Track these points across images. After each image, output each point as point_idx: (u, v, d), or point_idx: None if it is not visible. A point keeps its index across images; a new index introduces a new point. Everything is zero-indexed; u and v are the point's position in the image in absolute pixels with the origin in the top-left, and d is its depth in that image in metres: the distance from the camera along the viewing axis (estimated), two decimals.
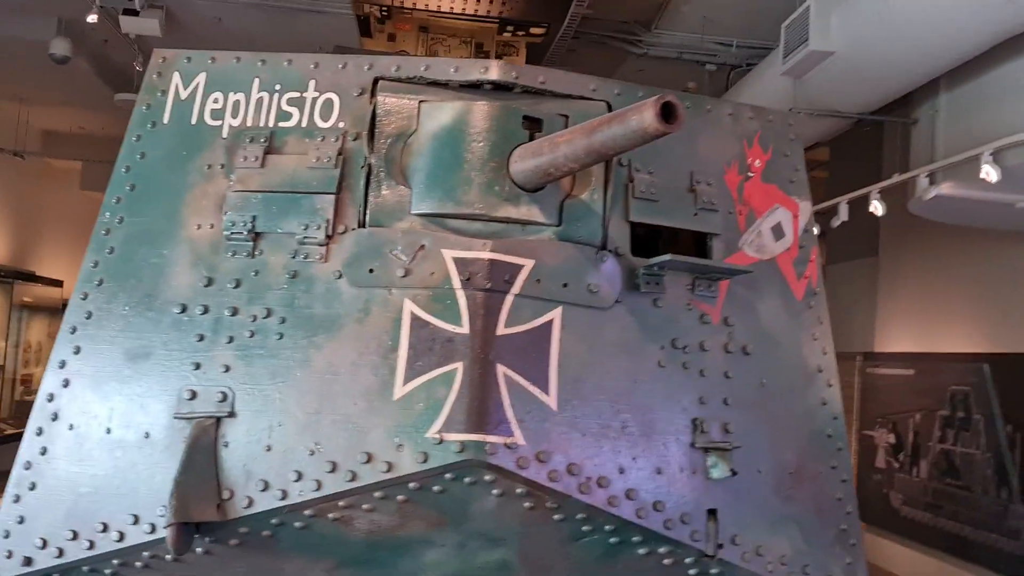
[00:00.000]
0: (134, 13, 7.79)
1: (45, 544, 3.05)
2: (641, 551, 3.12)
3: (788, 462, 3.37)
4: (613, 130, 2.55)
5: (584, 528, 3.02)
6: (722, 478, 3.17)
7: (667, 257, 3.06)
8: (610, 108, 3.27)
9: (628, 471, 3.02)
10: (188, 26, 8.57)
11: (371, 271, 2.97)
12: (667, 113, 2.39)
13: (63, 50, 8.25)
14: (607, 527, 3.02)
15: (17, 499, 3.12)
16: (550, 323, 2.96)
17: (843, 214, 6.33)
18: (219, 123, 3.28)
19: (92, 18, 7.94)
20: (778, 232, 3.52)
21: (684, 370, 3.22)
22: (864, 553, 3.54)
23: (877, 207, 5.92)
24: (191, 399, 2.99)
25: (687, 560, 3.16)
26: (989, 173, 4.80)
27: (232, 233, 3.11)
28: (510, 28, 8.40)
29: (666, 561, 3.16)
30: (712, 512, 3.16)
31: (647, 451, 3.08)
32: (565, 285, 3.00)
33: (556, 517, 2.96)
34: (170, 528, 2.79)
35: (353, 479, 2.81)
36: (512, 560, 3.15)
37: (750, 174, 3.51)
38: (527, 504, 2.91)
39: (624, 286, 3.15)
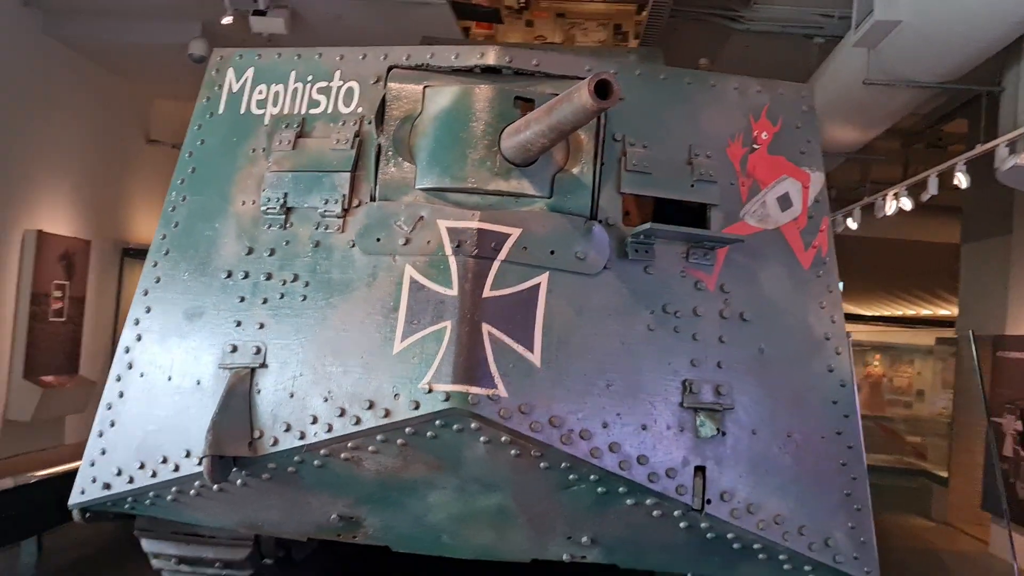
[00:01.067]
0: (262, 14, 8.54)
1: (120, 472, 3.61)
2: (629, 502, 3.33)
3: (787, 426, 3.47)
4: (563, 108, 2.79)
5: (571, 477, 3.27)
6: (709, 437, 3.33)
7: (647, 226, 3.24)
8: None
9: (612, 426, 3.24)
10: (311, 23, 9.21)
11: (378, 240, 3.32)
12: (602, 90, 2.60)
13: (200, 50, 9.16)
14: (592, 477, 3.25)
15: (101, 434, 3.69)
16: (537, 287, 3.22)
17: (932, 187, 6.12)
18: (262, 112, 3.74)
19: (227, 20, 8.76)
20: (785, 202, 3.61)
21: (675, 334, 3.39)
22: (872, 519, 3.59)
23: (961, 179, 5.70)
24: (232, 352, 3.45)
25: (675, 513, 3.34)
26: None
27: (268, 208, 3.55)
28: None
29: (655, 513, 3.36)
30: (700, 469, 3.33)
31: (632, 408, 3.28)
32: (552, 252, 3.25)
33: (542, 465, 3.23)
34: (205, 459, 3.25)
35: (357, 423, 3.18)
36: (508, 505, 3.44)
37: (756, 146, 3.61)
38: (513, 452, 3.18)
39: (615, 254, 3.36)
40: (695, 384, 3.36)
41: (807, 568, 3.49)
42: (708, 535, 3.42)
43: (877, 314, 18.60)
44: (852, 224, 8.42)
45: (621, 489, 3.29)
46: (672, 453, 3.31)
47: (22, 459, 8.65)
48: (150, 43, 9.88)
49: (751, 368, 3.47)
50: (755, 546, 3.43)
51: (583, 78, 3.50)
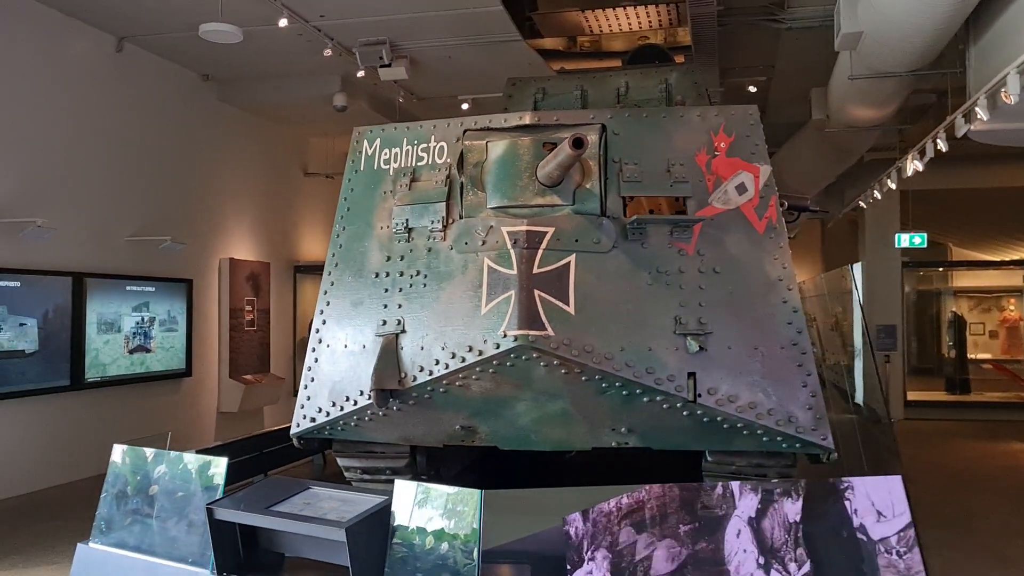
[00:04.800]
0: (387, 65, 10.55)
1: (320, 410, 5.57)
2: (645, 399, 5.00)
3: (754, 341, 5.03)
4: (560, 154, 4.53)
5: (603, 385, 4.96)
6: (695, 352, 4.95)
7: (634, 218, 4.93)
8: (605, 128, 5.16)
9: (627, 349, 4.91)
10: (427, 66, 11.16)
11: (466, 243, 5.12)
12: (578, 143, 4.32)
13: (341, 102, 11.34)
14: (617, 384, 4.94)
15: (306, 387, 5.66)
16: (568, 264, 4.94)
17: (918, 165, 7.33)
18: (388, 167, 5.62)
19: (360, 74, 10.86)
20: (742, 189, 5.17)
21: (667, 286, 5.03)
22: (823, 402, 5.08)
23: (941, 145, 6.90)
24: (383, 325, 5.33)
25: (678, 405, 4.98)
26: (1010, 97, 5.74)
27: (397, 229, 5.42)
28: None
29: (664, 406, 5.01)
30: (692, 374, 4.96)
31: (640, 336, 4.95)
32: (576, 240, 4.96)
33: (583, 379, 4.94)
34: (373, 392, 5.15)
35: (463, 361, 4.99)
36: (568, 408, 5.17)
37: (716, 153, 5.20)
38: (563, 371, 4.91)
39: (620, 237, 5.04)
40: (683, 317, 4.98)
41: (779, 439, 5.03)
42: (704, 419, 5.03)
43: (1003, 259, 18.95)
44: (919, 165, 9.24)
45: (638, 391, 4.96)
46: (671, 364, 4.95)
47: None
48: (302, 96, 12.12)
49: (724, 304, 5.05)
50: (738, 425, 5.01)
51: (589, 123, 5.22)
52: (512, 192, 5.10)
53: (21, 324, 8.65)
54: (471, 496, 4.05)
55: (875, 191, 10.53)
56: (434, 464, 6.49)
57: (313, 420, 5.60)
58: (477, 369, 5.00)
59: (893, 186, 9.32)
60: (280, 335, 13.56)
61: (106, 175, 10.07)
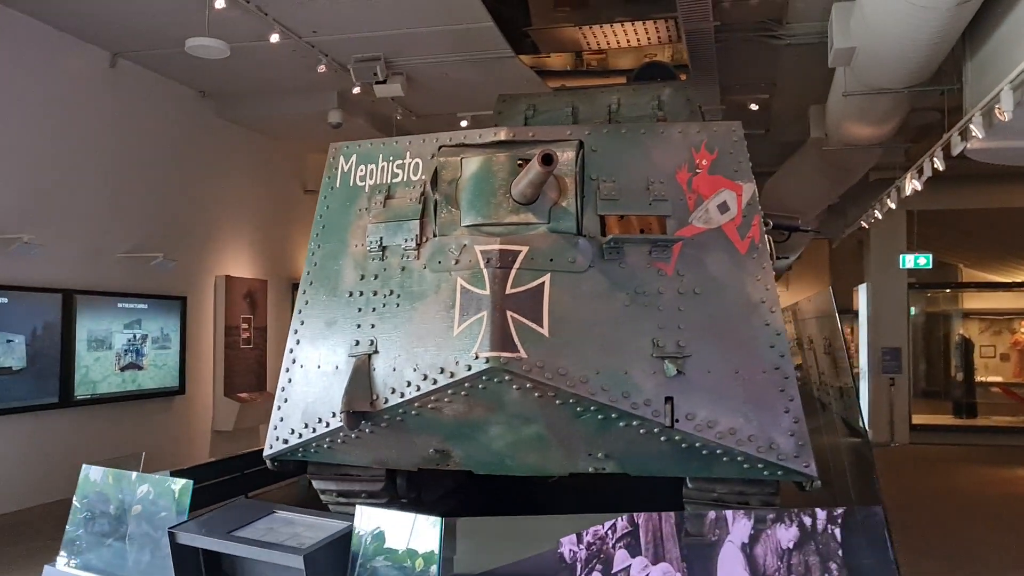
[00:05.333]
0: (382, 82, 10.49)
1: (292, 431, 5.44)
2: (621, 424, 4.84)
3: (734, 365, 4.88)
4: (531, 171, 4.41)
5: (578, 409, 4.81)
6: (673, 376, 4.80)
7: (610, 237, 4.80)
8: (582, 145, 5.04)
9: (602, 372, 4.76)
10: (423, 83, 11.10)
11: (439, 262, 5.00)
12: (547, 159, 4.20)
13: (337, 118, 11.29)
14: (592, 408, 4.79)
15: (279, 408, 5.53)
16: (543, 284, 4.80)
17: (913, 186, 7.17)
18: (364, 183, 5.51)
19: (356, 90, 10.81)
20: (723, 208, 5.03)
21: (645, 308, 4.88)
22: (806, 428, 4.91)
23: (938, 163, 6.76)
24: (356, 345, 5.20)
25: (655, 430, 4.82)
26: (1004, 114, 5.60)
27: (371, 247, 5.30)
28: None
29: (641, 431, 4.85)
30: (669, 399, 4.80)
31: (616, 359, 4.80)
32: (551, 260, 4.82)
33: (557, 402, 4.79)
34: (343, 414, 5.02)
35: (435, 383, 4.85)
36: (543, 433, 5.02)
37: (697, 170, 5.06)
38: (536, 394, 4.77)
39: (597, 257, 4.90)
40: (661, 340, 4.83)
41: (760, 466, 4.86)
42: (682, 445, 4.87)
43: (1015, 280, 18.73)
44: (917, 185, 9.13)
45: (614, 415, 4.80)
46: (648, 389, 4.79)
47: None
48: (299, 112, 12.08)
49: (704, 327, 4.90)
50: (717, 451, 4.84)
51: (566, 139, 5.10)
52: (486, 210, 4.97)
53: (8, 340, 8.59)
54: (431, 524, 3.91)
55: (876, 211, 10.37)
56: (415, 488, 6.34)
57: (286, 442, 5.47)
58: (449, 392, 4.86)
59: (893, 206, 9.17)
60: (277, 353, 13.42)
61: (99, 192, 10.03)
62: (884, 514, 3.88)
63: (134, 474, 5.15)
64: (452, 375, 4.78)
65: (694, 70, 9.66)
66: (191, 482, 4.90)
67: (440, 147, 5.24)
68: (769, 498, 5.24)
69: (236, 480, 7.44)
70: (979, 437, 14.38)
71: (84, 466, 5.37)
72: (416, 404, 4.97)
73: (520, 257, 4.80)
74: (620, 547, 3.76)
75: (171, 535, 4.59)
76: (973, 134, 5.88)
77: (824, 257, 20.94)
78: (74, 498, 5.31)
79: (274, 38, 9.15)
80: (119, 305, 10.13)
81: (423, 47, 10.07)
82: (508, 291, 4.75)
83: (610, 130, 5.15)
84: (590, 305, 4.85)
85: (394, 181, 5.39)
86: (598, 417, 4.84)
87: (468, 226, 5.02)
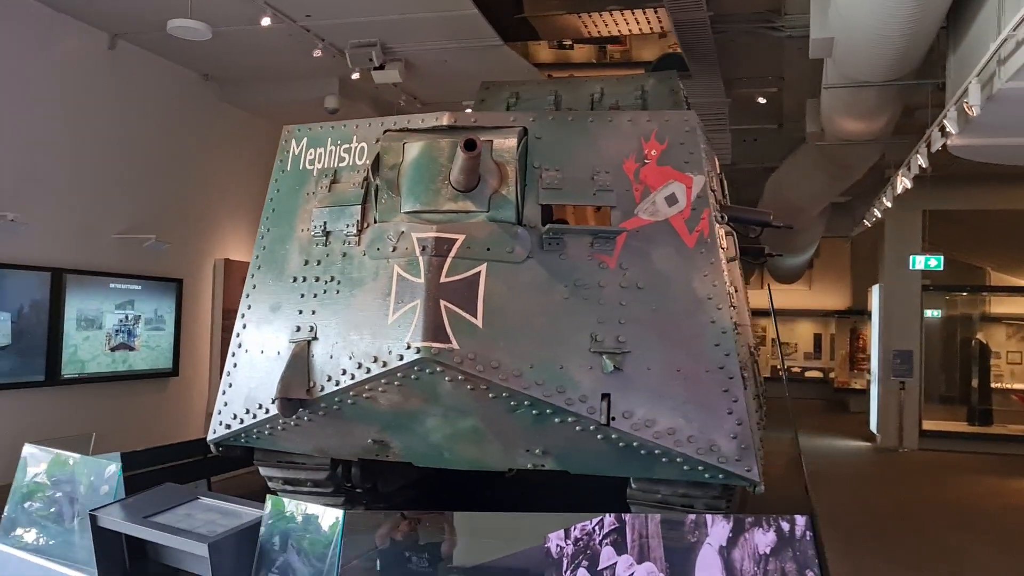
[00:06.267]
0: (380, 68, 10.40)
1: (235, 416, 5.38)
2: (556, 420, 4.70)
3: (676, 363, 4.71)
4: (459, 157, 4.27)
5: (512, 403, 4.68)
6: (610, 372, 4.65)
7: (547, 227, 4.65)
8: (526, 132, 4.89)
9: (537, 366, 4.63)
10: (423, 69, 11.00)
11: (378, 249, 4.89)
12: (470, 145, 4.07)
13: (333, 104, 11.21)
14: (526, 403, 4.65)
15: (223, 392, 5.48)
16: (478, 273, 4.67)
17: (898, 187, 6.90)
18: (312, 167, 5.42)
19: (355, 76, 10.73)
20: (672, 200, 4.86)
21: (584, 301, 4.73)
22: (752, 430, 4.74)
23: (921, 161, 6.49)
24: (297, 331, 5.12)
25: (591, 428, 4.67)
26: (972, 108, 5.35)
27: (315, 232, 5.21)
28: None
29: (577, 428, 4.71)
30: (606, 396, 4.65)
31: (552, 353, 4.66)
32: (488, 249, 4.69)
33: (491, 396, 4.67)
34: (278, 400, 4.94)
35: (368, 372, 4.75)
36: (479, 426, 4.90)
37: (646, 161, 4.89)
38: (469, 387, 4.65)
39: (536, 247, 4.75)
40: (599, 335, 4.69)
41: (700, 468, 4.69)
42: (620, 443, 4.71)
43: None
44: (907, 183, 8.84)
45: (548, 411, 4.67)
46: (584, 384, 4.64)
47: None
48: (300, 97, 12.03)
49: (646, 322, 4.74)
50: (656, 452, 4.68)
51: (510, 126, 4.95)
52: (425, 196, 4.84)
53: None
54: (332, 515, 3.81)
55: (875, 210, 10.07)
56: (370, 478, 6.26)
57: (228, 427, 5.41)
58: (383, 381, 4.76)
59: (889, 204, 8.89)
60: None
61: (95, 172, 10.07)
62: (813, 523, 3.73)
63: (71, 456, 5.12)
64: (385, 364, 4.69)
65: (691, 61, 9.44)
66: (117, 464, 4.85)
67: (385, 131, 5.12)
68: (714, 502, 5.08)
69: (198, 464, 7.41)
70: (992, 445, 13.97)
71: (26, 446, 5.35)
72: (351, 393, 4.88)
73: (456, 245, 4.67)
74: (607, 544, 3.71)
75: (92, 518, 4.53)
76: (948, 130, 5.63)
77: (845, 257, 20.51)
78: (15, 476, 5.30)
79: (265, 21, 9.09)
80: (111, 285, 10.17)
81: (418, 33, 9.95)
82: (442, 280, 4.63)
83: (556, 117, 5.00)
84: (527, 297, 4.71)
85: (340, 165, 5.29)
86: (533, 412, 4.71)
87: (408, 212, 4.91)
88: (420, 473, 7.09)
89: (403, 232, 4.80)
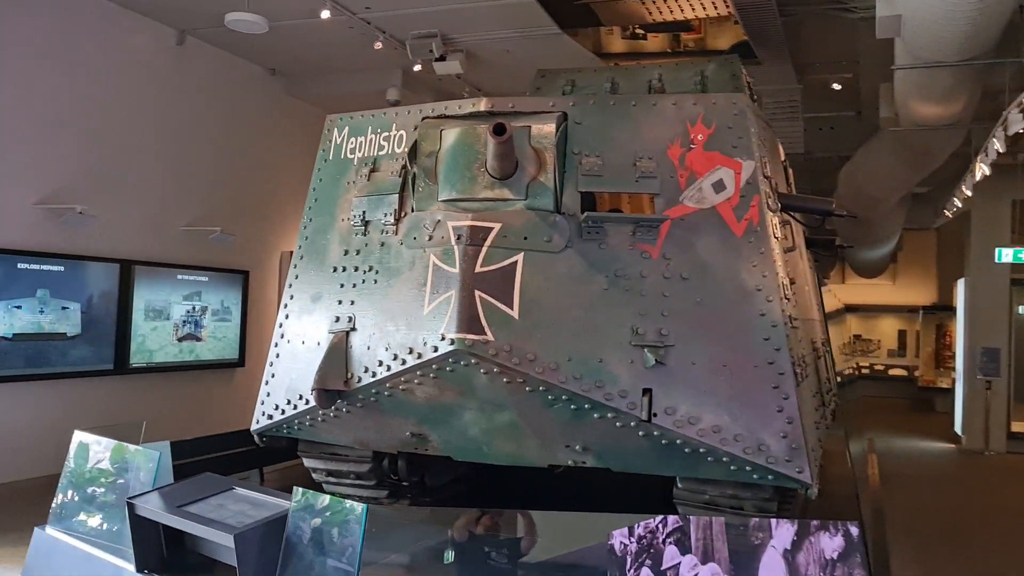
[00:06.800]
0: (441, 59, 10.34)
1: (277, 407, 5.36)
2: (595, 416, 4.53)
3: (722, 357, 4.49)
4: (491, 144, 4.13)
5: (549, 397, 4.53)
6: (652, 366, 4.45)
7: (587, 214, 4.47)
8: (566, 117, 4.71)
9: (574, 360, 4.46)
10: (485, 60, 10.89)
11: (415, 238, 4.79)
12: (499, 129, 3.92)
13: (395, 96, 11.21)
14: (563, 397, 4.49)
15: (266, 383, 5.47)
16: (515, 263, 4.53)
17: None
18: (353, 156, 5.35)
19: (417, 68, 10.70)
20: (719, 187, 4.63)
21: (625, 292, 4.54)
22: (805, 429, 4.48)
23: (998, 145, 6.05)
24: (336, 322, 5.07)
25: (631, 424, 4.49)
26: None
27: (354, 222, 5.14)
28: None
29: (617, 424, 4.53)
30: (647, 391, 4.46)
31: (590, 346, 4.49)
32: (525, 238, 4.54)
33: (527, 389, 4.52)
34: (314, 392, 4.89)
35: (404, 363, 4.66)
36: (516, 421, 4.76)
37: (692, 146, 4.66)
38: (505, 380, 4.51)
39: (575, 236, 4.58)
40: (640, 327, 4.49)
41: (748, 468, 4.46)
42: (662, 441, 4.52)
43: None
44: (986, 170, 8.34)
45: (586, 406, 4.50)
46: (623, 379, 4.46)
47: None
48: (366, 90, 12.06)
49: (690, 315, 4.52)
50: (700, 450, 4.47)
51: (549, 111, 4.78)
52: (461, 184, 4.72)
53: (64, 308, 8.88)
54: (355, 509, 3.73)
55: (956, 200, 9.56)
56: (417, 471, 6.16)
57: (271, 418, 5.39)
58: (418, 373, 4.66)
59: (968, 193, 8.40)
60: None
61: (163, 166, 10.26)
62: (862, 532, 3.51)
63: (119, 444, 5.17)
64: (420, 356, 4.59)
65: (756, 46, 9.10)
66: (159, 452, 4.87)
67: (424, 118, 5.02)
68: (765, 504, 4.83)
69: (253, 453, 7.45)
70: None
71: (76, 433, 5.43)
72: (388, 385, 4.80)
73: (492, 234, 4.54)
74: (670, 543, 3.62)
75: (129, 506, 4.56)
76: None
77: (931, 249, 19.68)
78: (65, 463, 5.38)
79: (325, 14, 9.10)
80: (179, 277, 10.36)
81: (478, 23, 9.85)
82: (478, 269, 4.51)
83: (597, 101, 4.81)
84: (565, 287, 4.55)
85: (380, 154, 5.21)
86: (571, 407, 4.55)
87: (445, 201, 4.79)
88: (469, 467, 7.00)
89: (439, 221, 4.69)
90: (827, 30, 9.47)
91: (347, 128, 5.45)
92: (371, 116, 5.35)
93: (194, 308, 10.60)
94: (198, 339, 10.67)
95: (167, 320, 10.21)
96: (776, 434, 4.43)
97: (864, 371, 23.19)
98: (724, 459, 4.47)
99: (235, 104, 11.37)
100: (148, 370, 9.91)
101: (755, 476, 4.51)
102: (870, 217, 12.84)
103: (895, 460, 12.51)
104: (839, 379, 13.68)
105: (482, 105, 4.80)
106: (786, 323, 4.57)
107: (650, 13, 10.23)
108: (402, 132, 5.12)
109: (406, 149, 5.04)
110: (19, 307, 8.40)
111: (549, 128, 4.64)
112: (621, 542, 3.58)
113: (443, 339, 4.48)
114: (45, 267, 8.63)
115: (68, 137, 8.99)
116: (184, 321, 10.47)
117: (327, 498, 3.91)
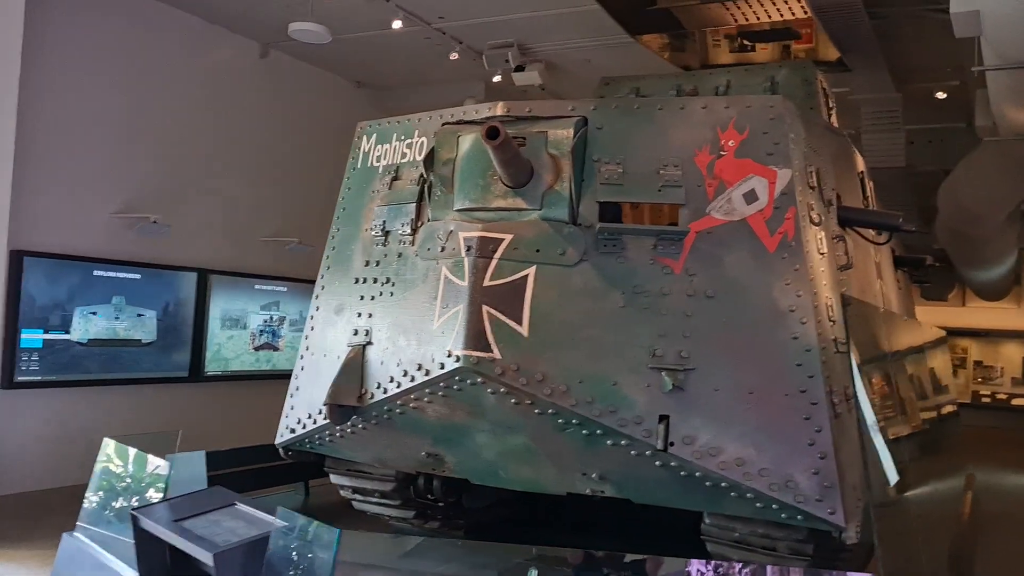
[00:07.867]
0: (520, 69, 10.15)
1: (299, 421, 5.25)
2: (609, 443, 4.21)
3: (748, 384, 4.10)
4: (489, 149, 3.89)
5: (559, 421, 4.24)
6: (669, 391, 4.10)
7: (598, 226, 4.17)
8: (586, 122, 4.42)
9: (586, 382, 4.16)
10: (565, 69, 10.63)
11: (428, 249, 4.59)
12: (492, 133, 3.68)
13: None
14: (574, 421, 4.20)
15: (291, 395, 5.36)
16: (526, 277, 4.27)
17: None
18: (378, 164, 5.20)
19: (496, 79, 10.55)
20: (751, 197, 4.24)
21: (644, 311, 4.21)
22: (842, 466, 4.03)
23: None
24: (355, 335, 4.92)
25: (647, 453, 4.15)
26: None
27: (375, 232, 4.98)
28: None
29: (632, 452, 4.19)
30: (664, 417, 4.11)
31: (604, 368, 4.17)
32: (538, 250, 4.27)
33: (536, 411, 4.25)
34: (327, 406, 4.74)
35: (413, 380, 4.46)
36: (530, 445, 4.48)
37: (722, 152, 4.29)
38: (513, 401, 4.25)
39: (591, 249, 4.28)
40: (660, 348, 4.15)
41: (775, 507, 4.06)
42: (681, 472, 4.15)
43: None
44: None
45: (598, 432, 4.18)
46: (639, 404, 4.13)
47: None
48: (447, 104, 11.89)
49: (715, 336, 4.15)
50: (722, 484, 4.08)
51: (567, 116, 4.50)
52: (475, 193, 4.49)
53: (139, 315, 9.08)
54: (327, 533, 3.55)
55: None
56: (454, 492, 5.93)
57: (293, 432, 5.29)
58: (427, 391, 4.46)
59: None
60: None
61: (244, 177, 10.43)
62: None
63: (141, 453, 5.14)
64: (428, 373, 4.39)
65: (843, 51, 8.53)
66: (169, 463, 4.82)
67: (443, 124, 4.82)
68: (800, 546, 4.39)
69: (291, 466, 7.37)
70: None
71: (105, 440, 5.44)
72: (399, 402, 4.62)
73: (502, 246, 4.30)
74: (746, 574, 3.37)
75: (134, 518, 4.50)
76: None
77: None
78: (94, 470, 5.40)
79: (396, 24, 9.06)
80: (256, 287, 10.50)
81: (553, 32, 9.61)
82: (486, 283, 4.28)
83: (620, 105, 4.50)
84: (579, 303, 4.26)
85: (402, 161, 5.05)
86: (583, 432, 4.25)
87: (459, 210, 4.58)
88: (511, 492, 6.73)
89: (452, 231, 4.49)
90: (926, 34, 8.79)
91: (375, 135, 5.32)
92: (396, 123, 5.20)
93: (271, 318, 10.72)
94: (275, 349, 10.78)
95: (244, 329, 10.35)
96: (806, 470, 4.01)
97: (985, 400, 21.63)
98: (748, 495, 4.08)
99: (319, 116, 11.49)
100: (223, 378, 10.05)
101: (783, 515, 4.10)
102: (974, 235, 11.90)
103: (1000, 500, 11.47)
104: (952, 408, 12.70)
105: (499, 109, 4.58)
106: (824, 348, 4.13)
107: (732, 15, 9.77)
108: (423, 139, 4.95)
109: (422, 156, 4.85)
110: (95, 313, 8.63)
111: (566, 133, 4.37)
112: (698, 570, 3.32)
113: (449, 356, 4.27)
114: (121, 274, 8.84)
115: (148, 148, 9.23)
116: (261, 330, 10.59)
117: (304, 519, 3.75)
